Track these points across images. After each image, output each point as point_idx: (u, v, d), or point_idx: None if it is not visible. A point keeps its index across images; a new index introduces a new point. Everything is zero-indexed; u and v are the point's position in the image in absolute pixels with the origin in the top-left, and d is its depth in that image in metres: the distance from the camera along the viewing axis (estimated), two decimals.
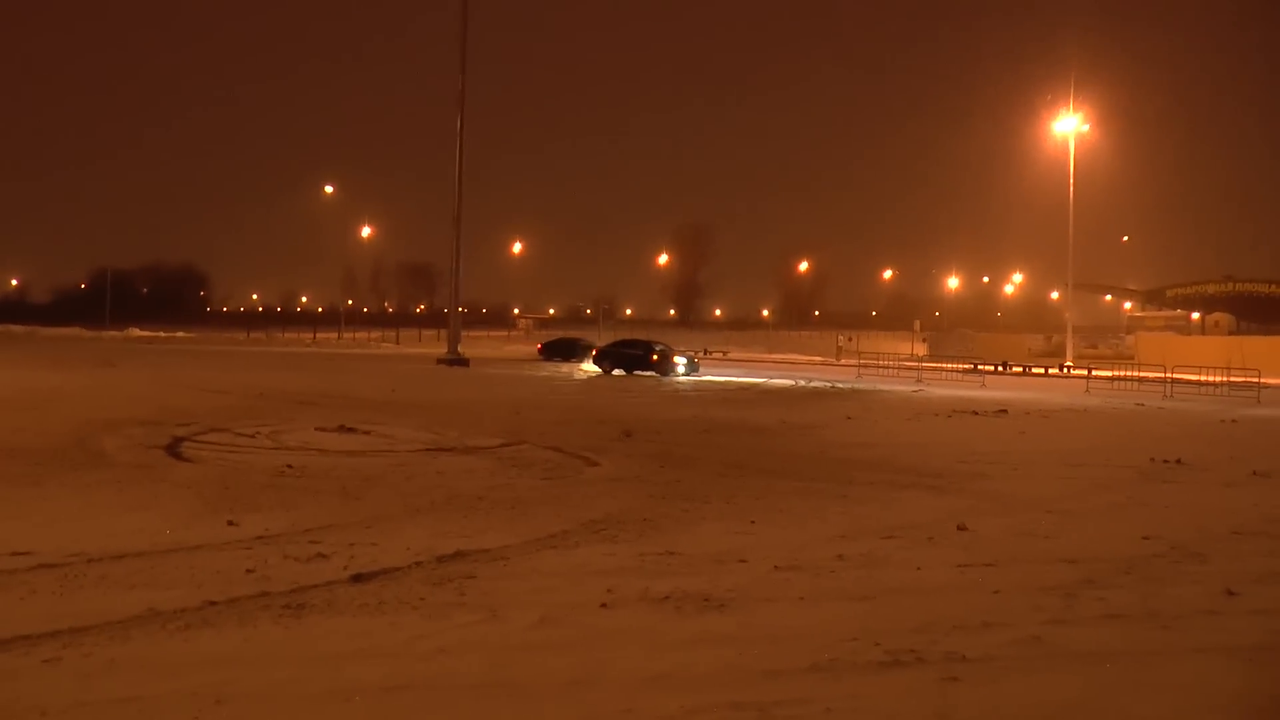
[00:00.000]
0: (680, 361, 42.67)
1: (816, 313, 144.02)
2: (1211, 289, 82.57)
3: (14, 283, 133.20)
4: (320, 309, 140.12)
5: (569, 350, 53.84)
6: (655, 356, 42.77)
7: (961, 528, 10.25)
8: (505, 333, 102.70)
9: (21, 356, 40.10)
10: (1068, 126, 61.86)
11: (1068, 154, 61.31)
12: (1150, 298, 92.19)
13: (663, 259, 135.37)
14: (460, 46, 47.60)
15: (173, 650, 5.88)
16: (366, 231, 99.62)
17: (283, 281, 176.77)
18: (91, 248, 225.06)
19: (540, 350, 55.98)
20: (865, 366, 48.01)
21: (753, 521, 10.35)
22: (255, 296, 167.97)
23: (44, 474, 11.95)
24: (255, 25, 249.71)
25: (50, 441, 14.65)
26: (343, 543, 8.69)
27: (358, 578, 7.52)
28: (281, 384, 28.71)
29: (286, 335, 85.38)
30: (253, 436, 16.14)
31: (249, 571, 7.62)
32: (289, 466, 13.07)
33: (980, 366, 48.64)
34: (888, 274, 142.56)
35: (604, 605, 7.04)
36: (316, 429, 17.31)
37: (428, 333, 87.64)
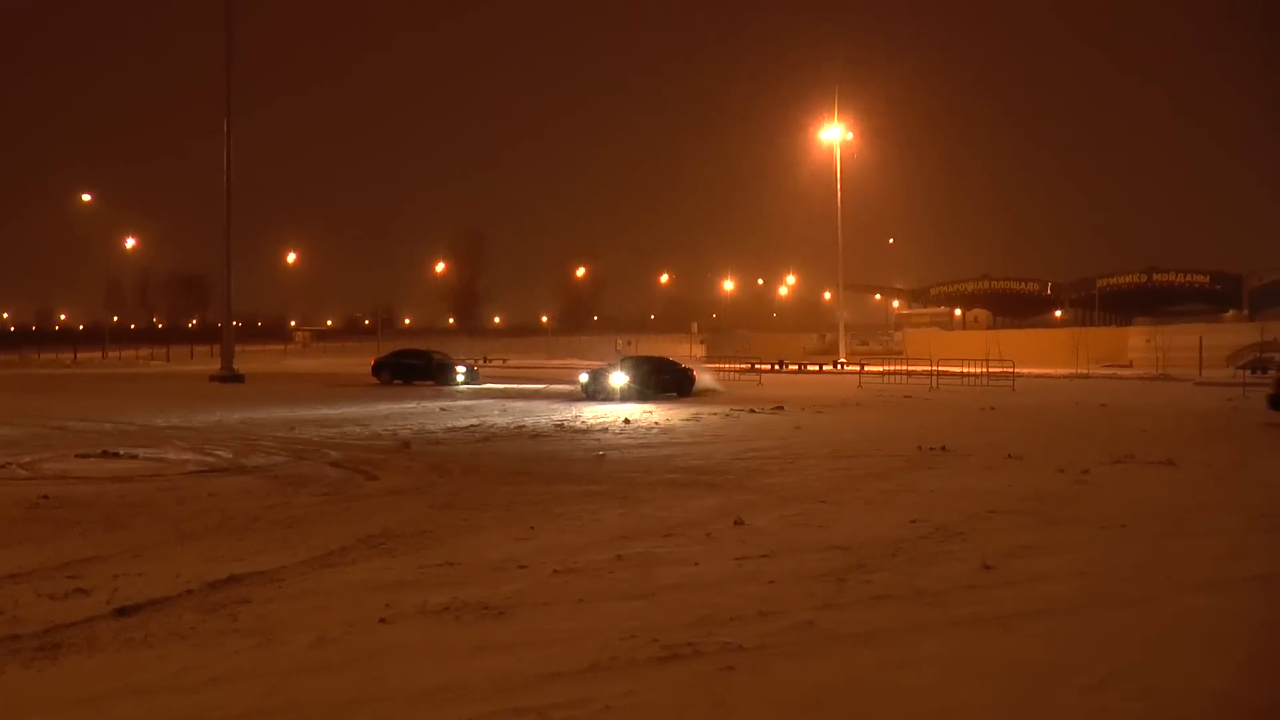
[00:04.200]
0: (461, 370, 42.41)
1: (596, 318, 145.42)
2: (970, 287, 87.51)
3: None
4: (82, 326, 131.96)
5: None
6: (435, 365, 42.36)
7: (738, 522, 10.55)
8: (283, 346, 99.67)
9: None
10: (834, 135, 64.58)
11: (835, 161, 64.02)
12: (916, 296, 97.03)
13: (440, 267, 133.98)
14: (225, 49, 45.95)
15: None
16: (131, 243, 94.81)
17: (36, 297, 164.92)
18: None
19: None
20: None
21: (532, 527, 10.40)
22: (5, 315, 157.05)
23: None
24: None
25: None
26: (106, 575, 8.24)
27: (122, 611, 7.14)
28: (38, 408, 27.04)
29: (43, 356, 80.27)
30: (2, 466, 15.10)
31: None
32: (45, 497, 12.28)
33: (757, 365, 50.10)
34: (665, 278, 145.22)
35: (382, 621, 6.94)
36: (78, 455, 16.36)
37: (201, 348, 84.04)
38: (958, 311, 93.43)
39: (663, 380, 33.07)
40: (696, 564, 8.73)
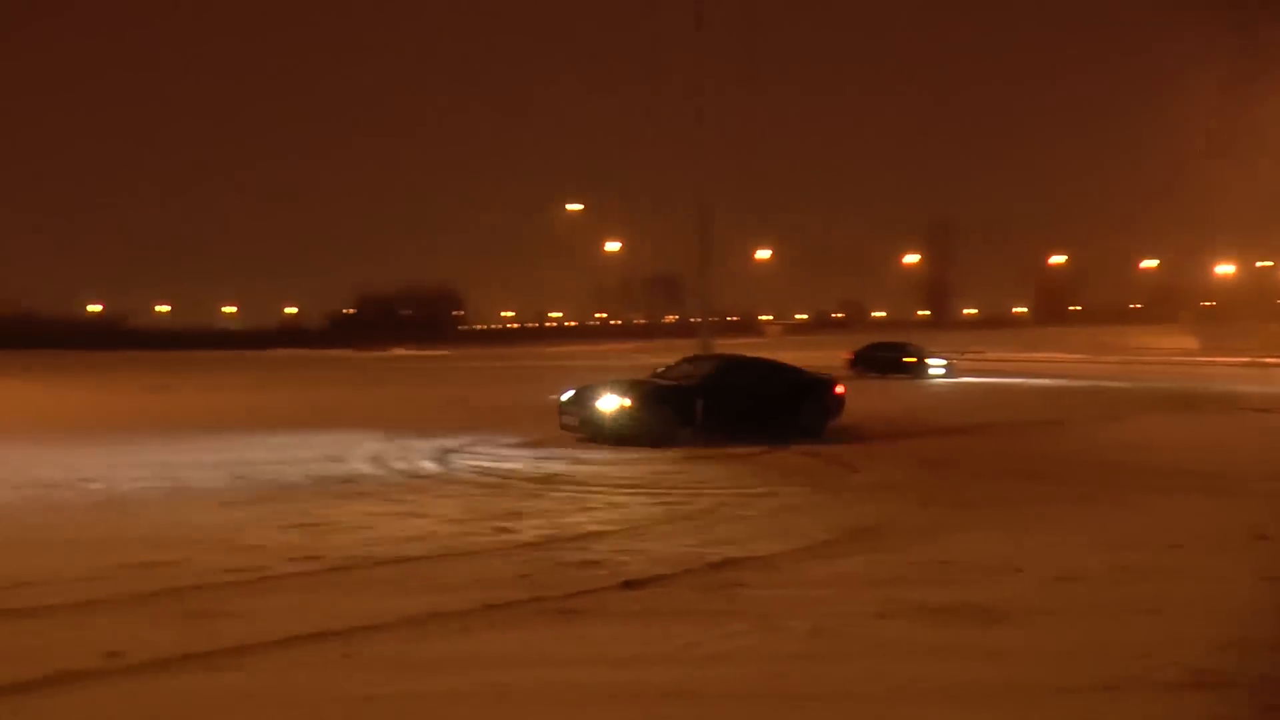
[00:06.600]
0: (936, 363, 41.84)
1: (1078, 307, 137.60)
2: None
3: (292, 310, 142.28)
4: (572, 323, 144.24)
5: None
6: (909, 358, 42.07)
7: (1262, 536, 9.46)
8: (754, 339, 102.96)
9: (300, 378, 42.90)
10: None
11: None
12: None
13: (910, 258, 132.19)
14: (694, 52, 47.92)
15: (455, 650, 6.07)
16: (615, 246, 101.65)
17: (534, 298, 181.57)
18: (357, 275, 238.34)
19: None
20: (1131, 363, 45.57)
21: (1025, 529, 9.89)
22: (513, 313, 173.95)
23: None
24: (491, 45, 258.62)
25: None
26: (611, 549, 8.81)
27: (629, 584, 7.58)
28: (537, 398, 29.56)
29: (541, 349, 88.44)
30: (516, 447, 16.63)
31: (522, 577, 7.81)
32: (555, 475, 13.42)
33: (1261, 360, 45.19)
34: (1150, 263, 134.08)
35: (880, 615, 6.83)
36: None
37: (679, 343, 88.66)
38: None
39: (734, 403, 17.47)
40: (1214, 580, 7.88)
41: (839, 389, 19.04)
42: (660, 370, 19.49)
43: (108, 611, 6.82)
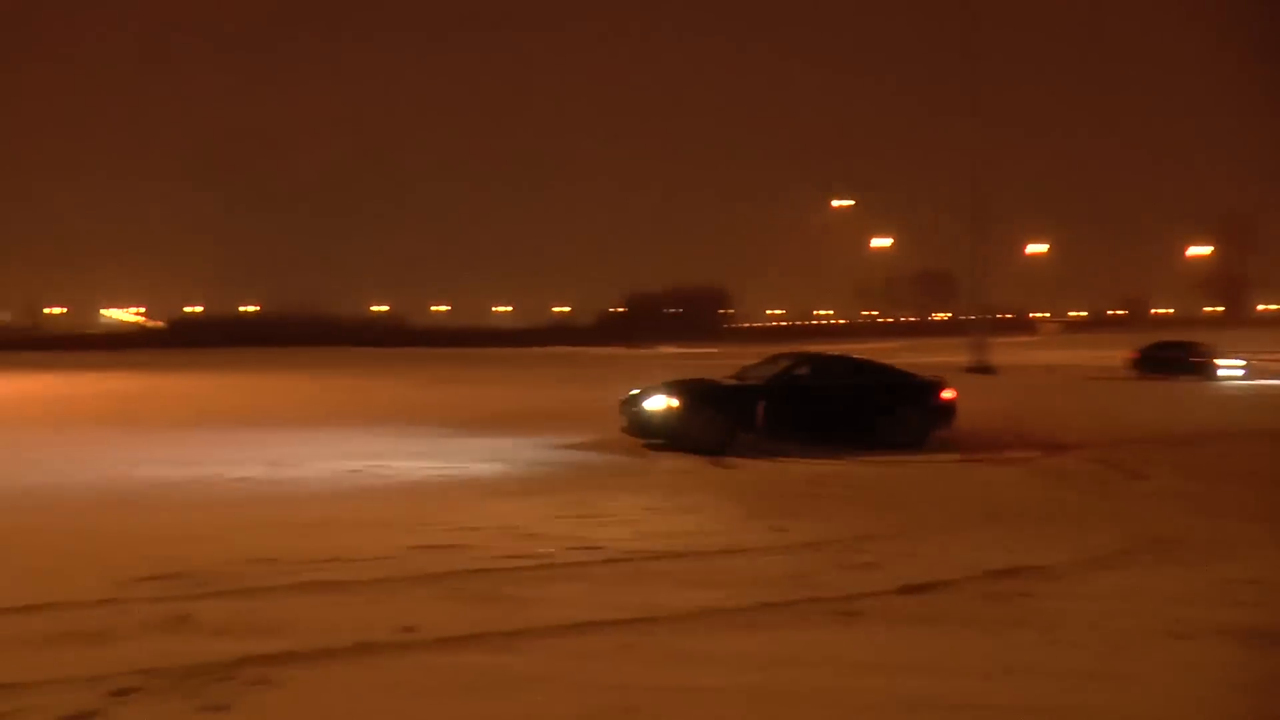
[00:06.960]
0: (1227, 364, 39.24)
1: None
2: None
3: (564, 309, 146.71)
4: (841, 321, 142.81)
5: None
6: (1195, 358, 39.67)
7: None
8: (1027, 337, 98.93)
9: (571, 375, 44.24)
10: None
11: None
12: None
13: (1199, 252, 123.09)
14: (969, 47, 46.58)
15: (731, 646, 6.12)
16: (885, 242, 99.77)
17: (803, 297, 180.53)
18: (627, 275, 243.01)
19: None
20: None
21: None
22: (782, 311, 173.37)
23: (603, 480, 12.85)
24: (758, 41, 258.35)
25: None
26: (887, 552, 8.66)
27: (907, 589, 7.44)
28: None
29: (808, 348, 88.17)
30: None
31: (798, 576, 7.78)
32: (832, 475, 13.35)
33: None
34: None
35: (1175, 635, 6.41)
36: None
37: (948, 341, 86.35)
38: None
39: (808, 405, 16.07)
40: None
41: (947, 394, 16.96)
42: (741, 369, 18.05)
43: (403, 589, 7.28)
